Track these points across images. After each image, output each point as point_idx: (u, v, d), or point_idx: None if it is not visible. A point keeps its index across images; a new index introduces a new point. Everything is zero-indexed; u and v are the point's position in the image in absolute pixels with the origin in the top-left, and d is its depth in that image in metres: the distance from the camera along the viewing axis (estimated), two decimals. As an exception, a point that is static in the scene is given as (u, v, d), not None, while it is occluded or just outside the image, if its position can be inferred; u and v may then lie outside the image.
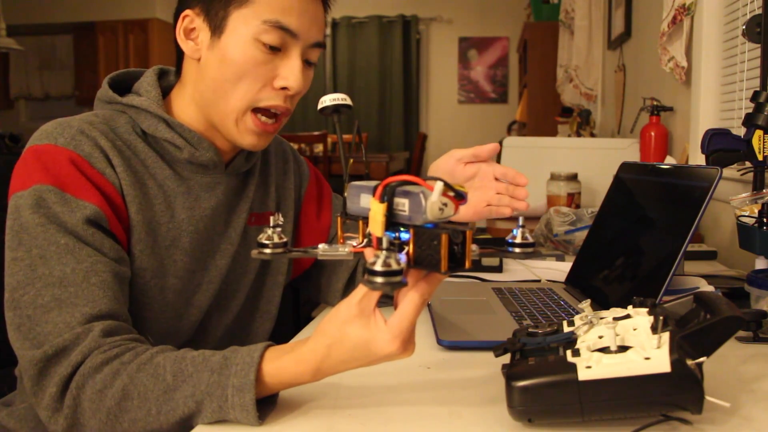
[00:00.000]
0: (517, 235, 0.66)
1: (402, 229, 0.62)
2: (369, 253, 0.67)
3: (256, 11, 0.87)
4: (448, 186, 0.61)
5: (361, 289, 0.65)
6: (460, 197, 0.61)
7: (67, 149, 0.84)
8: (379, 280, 0.58)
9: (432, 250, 0.60)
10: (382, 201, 0.62)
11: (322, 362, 0.66)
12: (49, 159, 0.83)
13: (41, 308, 0.75)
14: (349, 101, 0.78)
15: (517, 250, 0.66)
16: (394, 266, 0.58)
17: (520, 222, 0.67)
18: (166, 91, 0.97)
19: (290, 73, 0.89)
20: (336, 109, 0.77)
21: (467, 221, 0.62)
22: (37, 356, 0.73)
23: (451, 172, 1.05)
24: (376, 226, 0.62)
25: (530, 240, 0.66)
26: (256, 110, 0.91)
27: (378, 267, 0.58)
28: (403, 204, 0.62)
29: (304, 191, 1.14)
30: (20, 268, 0.78)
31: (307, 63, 0.93)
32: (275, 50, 0.89)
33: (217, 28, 0.89)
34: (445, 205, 0.60)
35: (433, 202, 0.59)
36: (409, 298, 0.64)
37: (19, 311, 0.76)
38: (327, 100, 0.78)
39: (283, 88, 0.90)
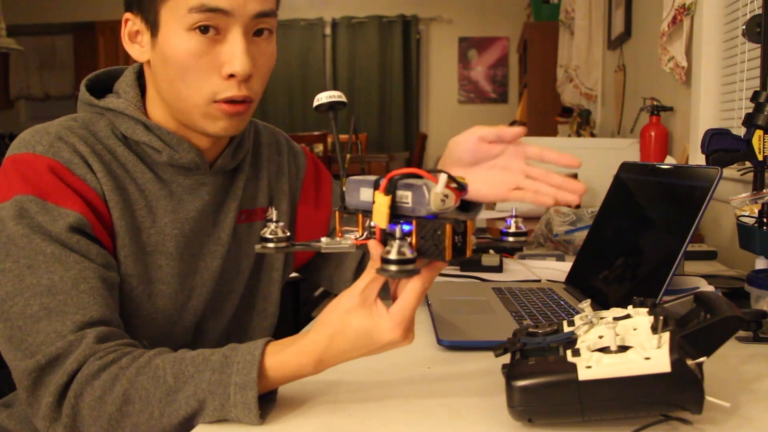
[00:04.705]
0: (511, 224, 0.70)
1: (402, 220, 0.63)
2: (373, 245, 0.67)
3: (181, 0, 0.82)
4: (450, 178, 0.62)
5: (363, 280, 0.66)
6: (461, 188, 0.63)
7: (45, 157, 0.82)
8: (394, 268, 0.60)
9: (435, 240, 0.62)
10: (387, 193, 0.63)
11: (324, 352, 0.66)
12: (27, 168, 0.81)
13: (31, 318, 0.74)
14: (344, 98, 0.79)
15: (510, 239, 0.69)
16: (408, 255, 0.60)
17: (513, 212, 0.70)
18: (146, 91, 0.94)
19: (233, 56, 0.83)
20: (331, 106, 0.77)
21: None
22: (30, 366, 0.72)
23: (472, 151, 0.92)
24: (381, 218, 0.64)
25: (523, 229, 0.69)
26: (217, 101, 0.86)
27: (393, 256, 0.60)
28: (406, 196, 0.63)
29: (301, 181, 1.10)
30: (8, 279, 0.77)
31: (258, 34, 0.86)
32: (214, 36, 0.83)
33: (153, 27, 0.86)
34: (447, 196, 0.62)
35: (437, 194, 0.61)
36: (411, 287, 0.65)
37: (10, 323, 0.75)
38: (323, 98, 0.78)
39: (231, 75, 0.84)
